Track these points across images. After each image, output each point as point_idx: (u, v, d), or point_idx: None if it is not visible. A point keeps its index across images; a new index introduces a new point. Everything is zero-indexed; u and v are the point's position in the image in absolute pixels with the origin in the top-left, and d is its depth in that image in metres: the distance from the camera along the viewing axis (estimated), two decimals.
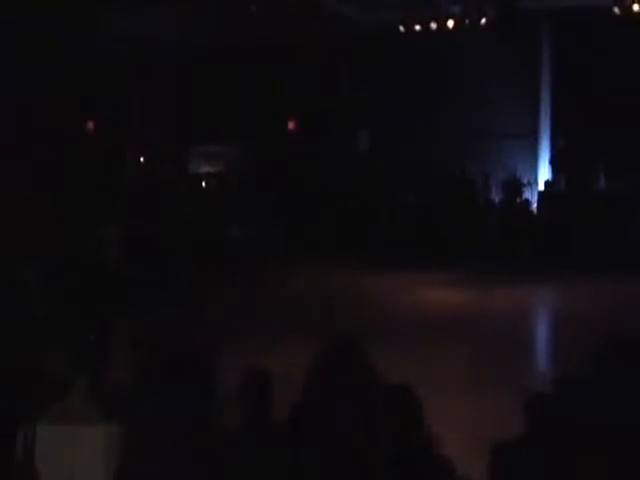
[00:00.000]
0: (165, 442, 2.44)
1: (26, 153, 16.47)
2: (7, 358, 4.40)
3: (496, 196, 16.79)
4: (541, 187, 16.72)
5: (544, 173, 16.98)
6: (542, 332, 12.09)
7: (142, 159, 19.43)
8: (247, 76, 18.14)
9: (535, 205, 16.42)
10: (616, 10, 15.14)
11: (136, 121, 18.59)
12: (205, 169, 19.61)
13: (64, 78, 16.60)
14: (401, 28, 16.85)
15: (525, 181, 16.48)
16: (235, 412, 4.05)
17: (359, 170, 17.88)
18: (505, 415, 3.92)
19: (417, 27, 16.79)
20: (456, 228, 16.06)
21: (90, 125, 18.43)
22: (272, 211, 17.73)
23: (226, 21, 15.45)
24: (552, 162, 16.77)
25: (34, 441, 2.85)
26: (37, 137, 16.64)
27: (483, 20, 15.89)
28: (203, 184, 18.98)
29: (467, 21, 16.15)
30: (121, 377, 4.46)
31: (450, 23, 16.41)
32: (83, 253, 12.36)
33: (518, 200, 16.38)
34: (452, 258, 14.96)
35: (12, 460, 2.92)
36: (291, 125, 19.01)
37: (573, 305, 11.92)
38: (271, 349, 8.65)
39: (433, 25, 16.62)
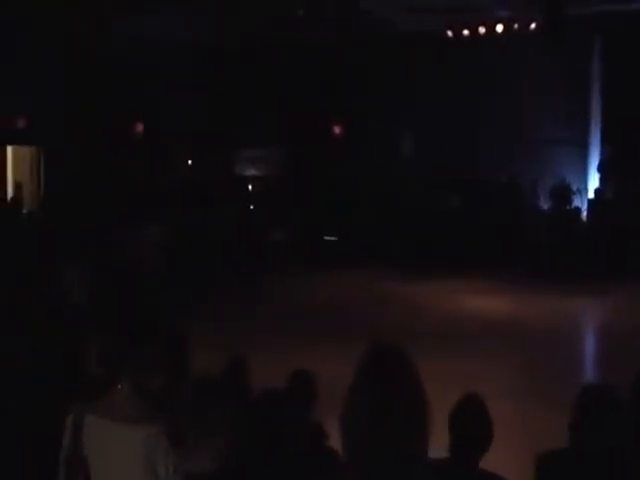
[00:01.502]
0: None
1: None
2: (55, 359, 4.45)
3: (545, 203, 16.55)
4: (591, 195, 16.46)
5: (594, 181, 16.71)
6: (591, 343, 11.90)
7: (190, 162, 19.61)
8: (294, 80, 18.20)
9: (585, 213, 16.17)
10: None
11: (184, 124, 18.75)
12: (251, 172, 19.73)
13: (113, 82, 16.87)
14: (449, 33, 16.70)
15: (575, 188, 16.23)
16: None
17: (403, 174, 17.80)
18: (551, 426, 3.85)
19: (465, 32, 16.63)
20: (503, 234, 15.87)
21: (139, 128, 18.66)
22: (314, 215, 17.76)
23: (273, 25, 15.52)
24: (601, 170, 16.49)
25: (82, 428, 2.88)
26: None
27: (532, 25, 15.68)
28: (249, 187, 19.13)
29: (516, 26, 15.95)
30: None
31: (499, 28, 16.22)
32: (127, 253, 12.51)
33: (568, 207, 16.12)
34: (498, 263, 14.78)
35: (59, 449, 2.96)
36: (336, 130, 19.01)
37: (624, 316, 11.68)
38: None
39: (481, 30, 16.44)
